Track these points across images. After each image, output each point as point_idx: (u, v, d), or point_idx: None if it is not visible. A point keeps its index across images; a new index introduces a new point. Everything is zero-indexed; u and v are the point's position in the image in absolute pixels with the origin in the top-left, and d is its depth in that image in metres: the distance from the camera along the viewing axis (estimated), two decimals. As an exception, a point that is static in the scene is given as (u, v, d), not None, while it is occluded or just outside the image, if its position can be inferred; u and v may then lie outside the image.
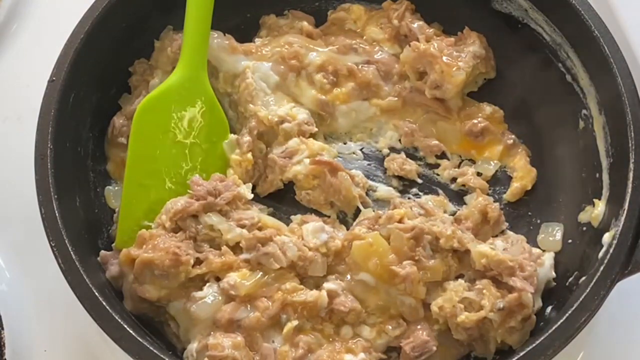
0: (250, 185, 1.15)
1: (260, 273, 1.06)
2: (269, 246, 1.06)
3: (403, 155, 1.22)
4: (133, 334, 0.96)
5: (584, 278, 1.04)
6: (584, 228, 1.13)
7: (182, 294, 1.06)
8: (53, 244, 1.01)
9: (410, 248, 1.05)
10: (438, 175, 1.21)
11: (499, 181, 1.20)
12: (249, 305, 1.04)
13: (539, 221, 1.17)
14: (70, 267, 1.00)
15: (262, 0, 1.29)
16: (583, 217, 1.13)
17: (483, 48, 1.22)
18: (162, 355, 0.96)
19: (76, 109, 1.13)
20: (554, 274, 1.09)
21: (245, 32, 1.27)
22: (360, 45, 1.25)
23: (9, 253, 1.21)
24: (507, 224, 1.16)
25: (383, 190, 1.19)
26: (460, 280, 1.05)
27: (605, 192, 1.11)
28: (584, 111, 1.17)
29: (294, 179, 1.16)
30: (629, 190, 1.02)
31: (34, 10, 1.40)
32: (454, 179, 1.20)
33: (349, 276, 1.07)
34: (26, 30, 1.39)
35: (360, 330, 1.05)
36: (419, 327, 1.04)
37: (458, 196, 1.19)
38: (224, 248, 1.07)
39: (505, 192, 1.19)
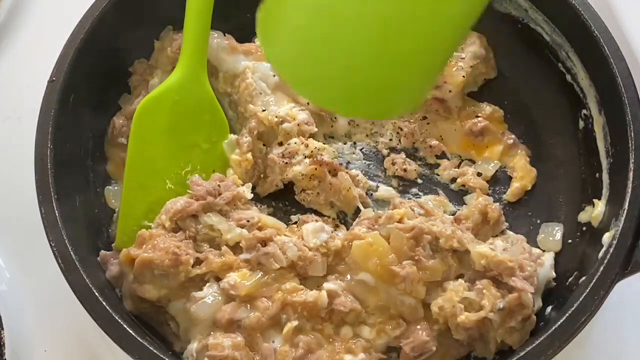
0: (250, 185, 1.15)
1: (260, 273, 1.06)
2: (269, 246, 1.06)
3: (403, 155, 1.22)
4: (133, 334, 0.96)
5: (584, 278, 1.04)
6: (584, 228, 1.13)
7: (182, 294, 1.06)
8: (53, 244, 1.01)
9: (410, 248, 1.05)
10: (438, 175, 1.21)
11: (499, 181, 1.20)
12: (249, 305, 1.04)
13: (539, 221, 1.17)
14: (70, 267, 1.00)
15: (262, 0, 1.29)
16: (583, 217, 1.13)
17: (483, 48, 1.22)
18: (162, 355, 0.96)
19: (76, 109, 1.13)
20: (554, 274, 1.09)
21: (245, 32, 1.27)
22: (360, 45, 1.25)
23: (9, 253, 1.21)
24: (507, 224, 1.16)
25: (383, 190, 1.19)
26: (460, 280, 1.05)
27: (605, 192, 1.11)
28: (584, 111, 1.17)
29: (294, 179, 1.16)
30: (629, 190, 1.02)
31: (34, 10, 1.41)
32: (454, 179, 1.20)
33: (349, 276, 1.07)
34: (26, 30, 1.39)
35: (360, 331, 1.05)
36: (418, 327, 1.04)
37: (458, 196, 1.19)
38: (224, 248, 1.07)
39: (505, 192, 1.19)
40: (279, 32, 0.87)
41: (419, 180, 1.21)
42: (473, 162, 1.21)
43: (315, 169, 1.14)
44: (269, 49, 0.89)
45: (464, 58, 1.20)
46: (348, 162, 1.21)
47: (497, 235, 1.13)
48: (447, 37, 0.84)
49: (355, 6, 0.80)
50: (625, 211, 1.01)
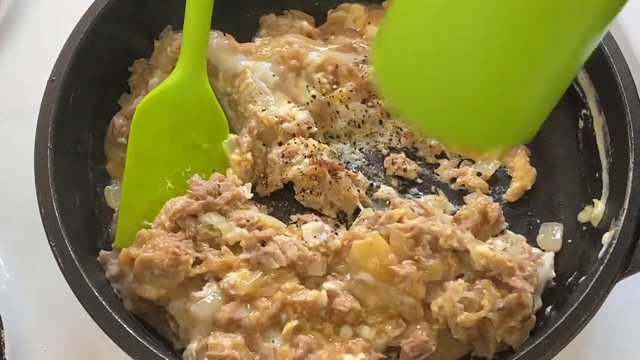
0: (250, 185, 1.15)
1: (261, 273, 1.06)
2: (269, 246, 1.06)
3: (403, 155, 1.22)
4: (133, 334, 0.97)
5: (584, 278, 1.04)
6: (584, 228, 1.13)
7: (182, 294, 1.06)
8: (53, 244, 1.01)
9: (410, 248, 1.05)
10: (438, 175, 1.21)
11: (499, 181, 1.20)
12: (249, 305, 1.04)
13: (539, 221, 1.17)
14: (70, 267, 1.00)
15: (262, 0, 1.30)
16: (583, 217, 1.13)
17: (483, 48, 1.22)
18: (162, 355, 0.96)
19: (76, 109, 1.13)
20: (554, 274, 1.09)
21: (245, 32, 1.27)
22: (361, 44, 1.25)
23: (9, 253, 1.21)
24: (507, 224, 1.16)
25: (383, 190, 1.19)
26: (460, 280, 1.05)
27: (605, 192, 1.11)
28: (584, 111, 1.17)
29: (294, 179, 1.16)
30: (629, 190, 1.02)
31: (34, 10, 1.41)
32: (454, 179, 1.20)
33: (349, 276, 1.07)
34: (26, 30, 1.39)
35: (360, 331, 1.05)
36: (418, 327, 1.04)
37: (458, 196, 1.19)
38: (224, 248, 1.07)
39: (505, 192, 1.19)
40: (396, 59, 0.85)
41: (419, 180, 1.21)
42: (473, 162, 1.21)
43: (315, 169, 1.14)
44: (385, 81, 0.87)
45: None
46: (348, 162, 1.21)
47: (497, 235, 1.13)
48: (570, 62, 0.81)
49: (477, 30, 0.78)
50: (625, 211, 1.01)
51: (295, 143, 1.16)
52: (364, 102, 1.22)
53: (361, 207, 1.16)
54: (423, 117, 0.86)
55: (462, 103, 0.82)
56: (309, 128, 1.18)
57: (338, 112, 1.22)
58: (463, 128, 0.85)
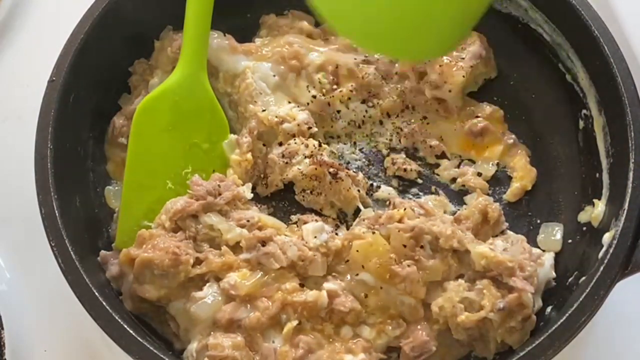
0: (250, 185, 1.15)
1: (261, 273, 1.06)
2: (269, 246, 1.06)
3: (403, 155, 1.22)
4: (133, 334, 0.97)
5: (584, 278, 1.04)
6: (584, 228, 1.13)
7: (182, 294, 1.06)
8: (53, 244, 1.01)
9: (410, 248, 1.05)
10: (438, 175, 1.21)
11: (499, 181, 1.20)
12: (249, 305, 1.04)
13: (539, 221, 1.17)
14: (70, 267, 1.00)
15: (262, 0, 1.30)
16: (583, 217, 1.13)
17: (483, 48, 1.22)
18: (162, 355, 0.96)
19: (76, 109, 1.13)
20: (554, 274, 1.09)
21: (245, 32, 1.27)
22: (361, 44, 1.25)
23: (9, 253, 1.21)
24: (507, 224, 1.16)
25: (383, 190, 1.19)
26: (460, 280, 1.05)
27: (605, 192, 1.11)
28: (584, 111, 1.17)
29: (294, 179, 1.16)
30: (629, 190, 1.02)
31: (34, 10, 1.41)
32: (454, 179, 1.20)
33: (349, 276, 1.07)
34: (26, 30, 1.39)
35: (360, 331, 1.05)
36: (418, 327, 1.04)
37: (458, 196, 1.19)
38: (224, 248, 1.07)
39: (505, 192, 1.19)
40: None
41: (419, 180, 1.21)
42: (473, 162, 1.21)
43: (315, 169, 1.14)
44: None
45: (464, 58, 1.20)
46: (348, 162, 1.21)
47: (497, 235, 1.13)
48: None
49: None
50: (625, 211, 1.01)
51: (295, 143, 1.16)
52: (364, 102, 1.22)
53: (361, 207, 1.16)
54: (350, 28, 0.91)
55: (382, 14, 0.87)
56: (309, 128, 1.18)
57: (338, 112, 1.22)
58: (385, 39, 0.90)
